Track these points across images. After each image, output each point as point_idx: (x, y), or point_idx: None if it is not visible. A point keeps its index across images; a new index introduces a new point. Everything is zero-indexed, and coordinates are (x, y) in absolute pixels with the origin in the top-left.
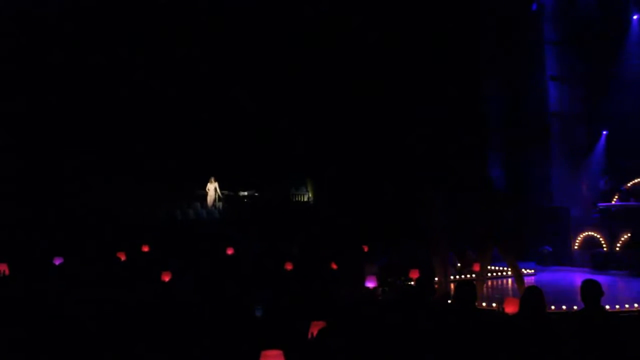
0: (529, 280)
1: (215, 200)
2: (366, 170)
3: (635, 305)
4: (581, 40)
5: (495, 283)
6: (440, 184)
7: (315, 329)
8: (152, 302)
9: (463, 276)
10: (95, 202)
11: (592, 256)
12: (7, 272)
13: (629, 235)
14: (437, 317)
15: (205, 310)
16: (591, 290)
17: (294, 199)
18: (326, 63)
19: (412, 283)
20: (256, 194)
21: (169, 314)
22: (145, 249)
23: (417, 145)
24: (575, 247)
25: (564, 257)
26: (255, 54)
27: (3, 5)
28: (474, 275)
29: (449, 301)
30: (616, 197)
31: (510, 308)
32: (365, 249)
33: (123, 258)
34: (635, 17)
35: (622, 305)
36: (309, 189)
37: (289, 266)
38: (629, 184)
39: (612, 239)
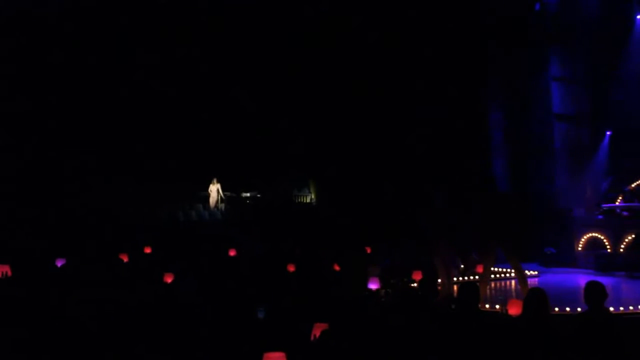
0: (532, 282)
1: (217, 201)
2: (366, 170)
3: None
4: (584, 41)
5: (498, 285)
6: (440, 184)
7: (317, 330)
8: (154, 303)
9: (466, 278)
10: (96, 202)
11: (596, 257)
12: (9, 273)
13: (633, 236)
14: (440, 319)
15: (207, 312)
16: (595, 292)
17: (296, 201)
18: (326, 63)
19: (415, 285)
20: (258, 196)
21: (171, 315)
22: (148, 250)
23: (417, 145)
24: (579, 249)
25: (567, 259)
26: (255, 54)
27: (3, 5)
28: (477, 277)
29: (452, 303)
30: (620, 198)
31: (514, 310)
32: (368, 250)
33: (125, 259)
34: (638, 16)
35: (626, 307)
36: (312, 190)
37: (291, 268)
38: (632, 185)
39: (616, 240)
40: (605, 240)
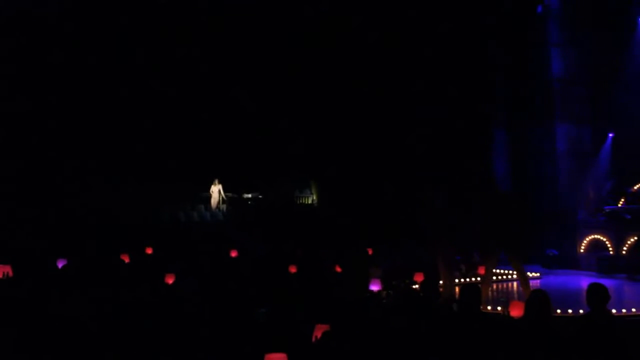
0: (534, 284)
1: (219, 202)
2: (366, 171)
3: None
4: (587, 42)
5: (500, 286)
6: (441, 184)
7: (319, 332)
8: (155, 304)
9: (468, 279)
10: (96, 202)
11: (598, 259)
12: (10, 273)
13: (636, 238)
14: (441, 321)
15: (208, 313)
16: (597, 294)
17: (298, 202)
18: (326, 63)
19: (417, 286)
20: (260, 197)
21: (172, 316)
22: (149, 251)
23: (417, 145)
24: (581, 251)
25: (569, 261)
26: (255, 53)
27: (3, 5)
28: (479, 279)
29: (454, 305)
30: (622, 200)
31: (516, 312)
32: (370, 251)
33: (127, 260)
34: None
35: (628, 309)
36: (314, 191)
37: (292, 269)
38: (635, 187)
39: (618, 243)
40: (607, 242)
